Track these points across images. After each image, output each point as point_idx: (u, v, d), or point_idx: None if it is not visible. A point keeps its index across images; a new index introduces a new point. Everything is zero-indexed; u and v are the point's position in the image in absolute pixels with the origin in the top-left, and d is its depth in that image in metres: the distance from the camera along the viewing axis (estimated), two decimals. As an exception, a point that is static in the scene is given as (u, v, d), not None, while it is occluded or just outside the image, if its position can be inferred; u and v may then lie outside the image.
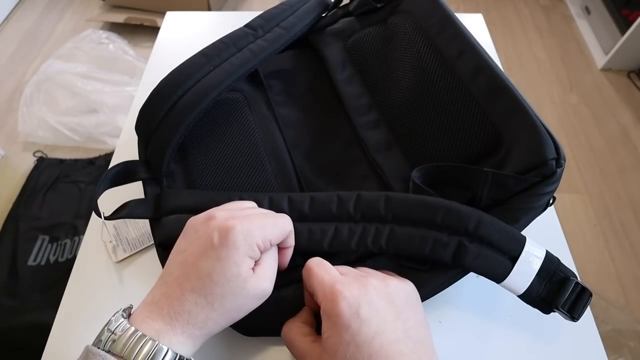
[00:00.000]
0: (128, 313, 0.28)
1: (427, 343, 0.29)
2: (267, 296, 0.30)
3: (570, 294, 0.31)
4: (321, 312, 0.29)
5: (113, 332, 0.26)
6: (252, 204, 0.34)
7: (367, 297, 0.28)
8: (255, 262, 0.30)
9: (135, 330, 0.26)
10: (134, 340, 0.26)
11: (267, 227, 0.30)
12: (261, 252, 0.30)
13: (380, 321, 0.28)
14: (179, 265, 0.29)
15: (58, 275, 1.03)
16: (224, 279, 0.28)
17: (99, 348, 0.26)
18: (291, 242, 0.33)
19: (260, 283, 0.29)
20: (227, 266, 0.28)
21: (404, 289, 0.31)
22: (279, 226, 0.31)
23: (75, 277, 0.41)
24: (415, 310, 0.30)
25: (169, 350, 0.26)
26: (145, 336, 0.26)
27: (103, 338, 0.26)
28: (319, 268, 0.31)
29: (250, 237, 0.29)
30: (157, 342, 0.26)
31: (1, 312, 0.96)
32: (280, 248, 0.33)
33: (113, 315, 0.28)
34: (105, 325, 0.27)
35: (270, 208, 0.35)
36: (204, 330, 0.28)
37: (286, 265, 0.33)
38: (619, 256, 1.17)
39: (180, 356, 0.27)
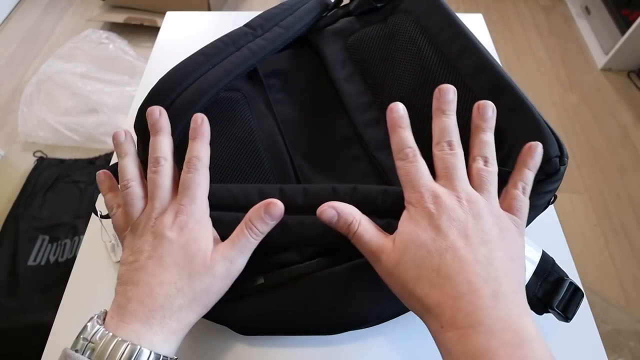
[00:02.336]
0: (102, 319, 0.28)
1: (515, 277, 0.27)
2: (232, 277, 0.31)
3: (564, 294, 0.32)
4: (406, 204, 0.29)
5: (90, 341, 0.26)
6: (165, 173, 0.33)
7: (455, 211, 0.27)
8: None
9: (114, 336, 0.26)
10: (114, 346, 0.25)
11: (204, 200, 0.32)
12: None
13: (460, 239, 0.26)
14: (138, 271, 0.29)
15: (58, 275, 1.03)
16: (189, 259, 0.29)
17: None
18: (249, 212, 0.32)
19: (220, 260, 0.30)
20: (188, 247, 0.29)
21: (506, 224, 0.28)
22: (202, 187, 0.32)
23: (75, 277, 0.41)
24: (510, 246, 0.27)
25: (152, 353, 0.26)
26: (125, 341, 0.26)
27: (79, 347, 0.26)
28: (421, 168, 0.30)
29: (196, 213, 0.31)
30: (138, 346, 0.26)
31: (1, 312, 0.96)
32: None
33: (88, 322, 0.27)
34: (80, 333, 0.27)
35: (260, 201, 0.33)
36: (181, 321, 0.28)
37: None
38: (619, 256, 1.17)
39: (163, 357, 0.27)
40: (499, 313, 0.24)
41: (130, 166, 0.34)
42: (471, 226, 0.27)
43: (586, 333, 0.38)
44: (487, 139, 0.31)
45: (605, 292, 1.10)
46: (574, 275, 0.41)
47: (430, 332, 0.26)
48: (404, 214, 0.29)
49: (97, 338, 0.26)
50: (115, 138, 0.35)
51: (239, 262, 0.31)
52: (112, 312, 0.28)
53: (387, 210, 0.33)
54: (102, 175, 0.36)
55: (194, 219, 0.30)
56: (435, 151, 0.31)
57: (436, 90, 0.32)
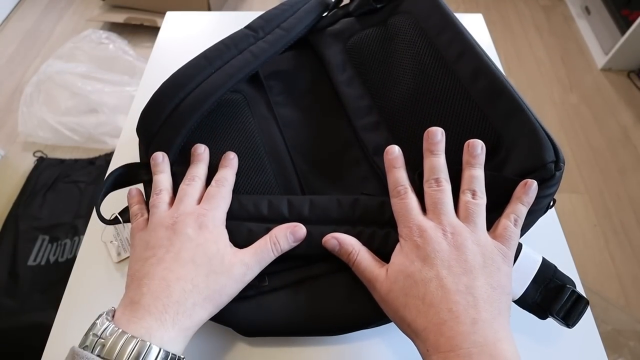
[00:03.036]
0: (112, 315, 0.28)
1: (496, 305, 0.28)
2: (246, 280, 0.32)
3: (565, 302, 0.32)
4: (399, 244, 0.32)
5: (100, 337, 0.26)
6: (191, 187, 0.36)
7: (438, 243, 0.30)
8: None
9: (123, 332, 0.26)
10: (124, 343, 0.25)
11: (224, 212, 0.35)
12: None
13: (444, 269, 0.29)
14: (157, 264, 0.30)
15: (58, 275, 1.03)
16: (206, 258, 0.31)
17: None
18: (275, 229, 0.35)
19: (237, 263, 0.32)
20: (207, 247, 0.31)
21: (491, 254, 0.30)
22: (226, 198, 0.35)
23: (75, 277, 0.41)
24: (492, 275, 0.29)
25: (161, 350, 0.26)
26: (135, 337, 0.26)
27: (89, 343, 0.26)
28: (413, 205, 0.32)
29: (219, 223, 0.33)
30: (147, 343, 0.26)
31: (1, 312, 0.96)
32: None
33: (97, 319, 0.27)
34: (90, 330, 0.27)
35: (269, 211, 0.36)
36: (193, 318, 0.29)
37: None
38: (619, 256, 1.17)
39: (172, 355, 0.27)
40: (477, 338, 0.26)
41: (165, 180, 0.37)
42: (454, 257, 0.29)
43: (586, 333, 0.38)
44: (476, 174, 0.33)
45: (605, 292, 1.10)
46: (574, 275, 0.41)
47: (420, 353, 0.29)
48: (397, 246, 0.32)
49: (107, 334, 0.26)
50: (154, 158, 0.37)
51: (255, 270, 0.33)
52: (124, 307, 0.29)
53: (387, 221, 0.34)
54: (134, 190, 0.38)
55: (214, 223, 0.33)
56: (425, 188, 0.33)
57: (425, 133, 0.34)
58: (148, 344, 0.26)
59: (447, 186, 0.33)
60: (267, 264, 0.33)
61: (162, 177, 0.37)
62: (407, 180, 0.34)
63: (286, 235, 0.34)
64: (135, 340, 0.26)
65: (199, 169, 0.37)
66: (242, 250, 0.33)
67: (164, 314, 0.27)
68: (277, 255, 0.33)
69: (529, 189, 0.32)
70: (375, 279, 0.31)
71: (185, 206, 0.34)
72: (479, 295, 0.28)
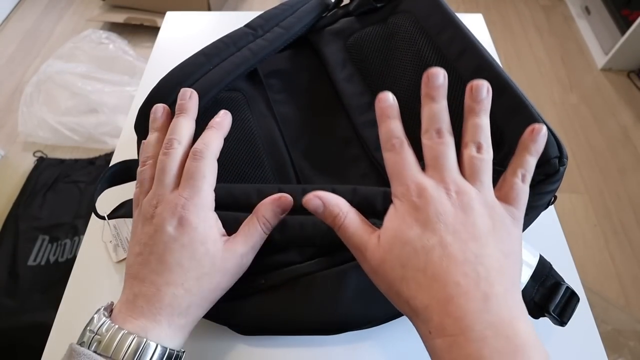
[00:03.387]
0: (109, 311, 0.28)
1: (508, 275, 0.25)
2: (242, 271, 0.31)
3: (561, 299, 0.32)
4: (392, 205, 0.27)
5: (96, 333, 0.26)
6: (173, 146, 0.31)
7: (448, 207, 0.25)
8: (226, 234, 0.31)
9: (120, 328, 0.26)
10: (120, 339, 0.25)
11: (209, 193, 0.30)
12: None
13: (449, 235, 0.24)
14: (143, 265, 0.28)
15: (58, 275, 1.03)
16: (195, 261, 0.28)
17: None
18: (259, 205, 0.32)
19: (230, 256, 0.29)
20: (193, 249, 0.28)
21: (500, 215, 0.26)
22: (208, 172, 0.30)
23: (75, 277, 0.41)
24: (503, 240, 0.25)
25: (158, 346, 0.26)
26: (132, 334, 0.25)
27: (86, 339, 0.26)
28: (408, 157, 0.28)
29: (204, 214, 0.29)
30: (144, 339, 0.25)
31: (1, 312, 0.96)
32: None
33: (95, 314, 0.27)
34: (87, 326, 0.26)
35: (258, 200, 0.33)
36: (189, 317, 0.28)
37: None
38: (619, 256, 1.17)
39: (170, 350, 0.26)
40: (490, 317, 0.22)
41: (152, 145, 0.32)
42: (460, 220, 0.25)
43: (586, 333, 0.38)
44: (481, 123, 0.28)
45: (605, 292, 1.10)
46: (574, 275, 0.41)
47: (420, 335, 0.25)
48: (390, 208, 0.27)
49: (104, 330, 0.26)
50: (154, 112, 0.33)
51: (249, 257, 0.31)
52: (121, 304, 0.28)
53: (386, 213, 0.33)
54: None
55: (197, 215, 0.29)
56: (424, 140, 0.28)
57: (424, 75, 0.29)
58: (145, 339, 0.25)
59: (449, 139, 0.28)
60: (259, 247, 0.31)
61: (151, 139, 0.32)
62: (403, 132, 0.29)
63: (273, 210, 0.31)
64: (132, 336, 0.25)
65: (181, 128, 0.32)
66: (232, 239, 0.30)
67: (158, 316, 0.27)
68: (267, 232, 0.31)
69: (538, 135, 0.28)
70: (365, 246, 0.27)
71: (164, 190, 0.30)
72: (490, 265, 0.24)
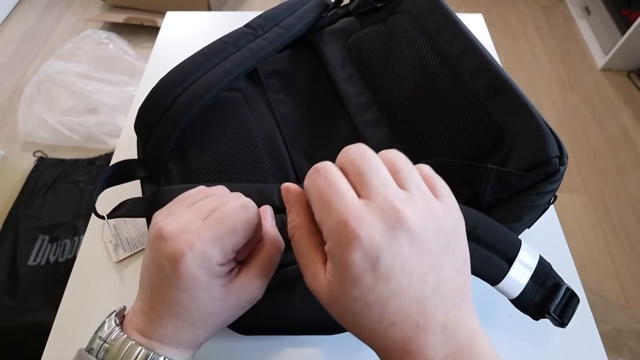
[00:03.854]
0: (121, 316, 0.28)
1: (462, 292, 0.23)
2: (255, 301, 0.28)
3: (561, 299, 0.32)
4: (326, 248, 0.22)
5: (105, 341, 0.25)
6: (212, 190, 0.29)
7: (393, 245, 0.21)
8: (238, 262, 0.28)
9: (128, 338, 0.25)
10: (128, 349, 0.25)
11: (224, 238, 0.25)
12: (230, 260, 0.26)
13: (404, 277, 0.21)
14: (149, 286, 0.26)
15: (58, 275, 1.02)
16: (198, 305, 0.25)
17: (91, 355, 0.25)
18: (268, 230, 0.29)
19: (243, 294, 0.27)
20: (194, 294, 0.25)
21: (450, 222, 0.23)
22: (239, 230, 0.26)
23: (75, 277, 0.41)
24: (455, 253, 0.23)
25: (165, 359, 0.25)
26: (140, 345, 0.25)
27: (95, 346, 0.25)
28: (331, 189, 0.22)
29: (207, 261, 0.25)
30: (152, 353, 0.25)
31: (1, 312, 0.96)
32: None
33: (106, 319, 0.27)
34: (98, 331, 0.26)
35: (258, 201, 0.32)
36: (197, 342, 0.27)
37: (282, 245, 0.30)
38: (619, 256, 1.17)
39: None
40: (449, 344, 0.21)
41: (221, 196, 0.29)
42: (415, 252, 0.21)
43: (586, 333, 0.38)
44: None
45: (605, 292, 1.10)
46: (574, 276, 0.41)
47: None
48: (328, 251, 0.22)
49: (112, 338, 0.25)
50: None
51: (265, 287, 0.29)
52: (133, 313, 0.27)
53: None
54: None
55: (200, 264, 0.25)
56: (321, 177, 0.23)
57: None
58: (152, 353, 0.25)
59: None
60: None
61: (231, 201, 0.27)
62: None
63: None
64: (139, 348, 0.25)
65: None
66: (246, 273, 0.27)
67: (165, 339, 0.26)
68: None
69: None
70: (312, 279, 0.23)
71: (184, 214, 0.26)
72: (446, 291, 0.22)
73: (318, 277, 0.23)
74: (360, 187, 0.22)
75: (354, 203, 0.21)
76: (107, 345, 0.25)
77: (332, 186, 0.22)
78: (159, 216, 0.27)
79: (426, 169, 0.25)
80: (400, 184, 0.22)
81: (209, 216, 0.26)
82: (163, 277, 0.25)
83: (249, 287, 0.27)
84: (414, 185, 0.23)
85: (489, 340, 0.23)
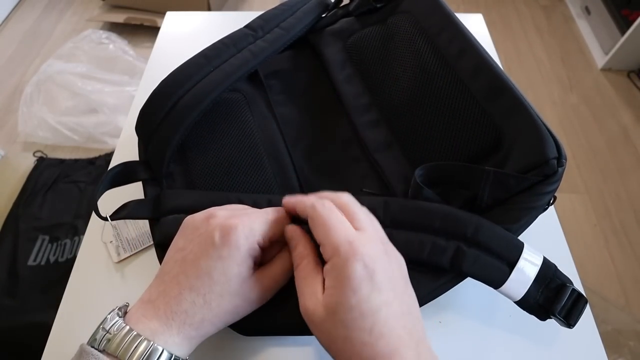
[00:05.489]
0: (124, 311, 0.28)
1: (421, 320, 0.27)
2: (263, 302, 0.31)
3: (567, 301, 0.31)
4: (326, 266, 0.27)
5: (108, 331, 0.26)
6: (253, 208, 0.34)
7: (384, 261, 0.27)
8: (258, 263, 0.31)
9: (130, 330, 0.26)
10: (129, 340, 0.25)
11: (269, 224, 0.30)
12: (262, 249, 0.30)
13: (391, 291, 0.26)
14: (178, 263, 0.29)
15: (58, 275, 1.02)
16: (225, 277, 0.28)
17: (93, 347, 0.26)
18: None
19: (256, 286, 0.29)
20: (228, 265, 0.28)
21: (402, 259, 0.29)
22: (280, 223, 0.31)
23: (75, 277, 0.41)
24: (408, 280, 0.29)
25: (164, 351, 0.26)
26: (140, 336, 0.26)
27: (98, 337, 0.26)
28: (332, 216, 0.28)
29: (252, 236, 0.29)
30: (152, 342, 0.26)
31: (1, 312, 0.96)
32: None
33: (109, 313, 0.27)
34: (101, 324, 0.27)
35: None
36: (200, 331, 0.28)
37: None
38: (619, 256, 1.17)
39: (175, 357, 0.27)
40: (422, 358, 0.25)
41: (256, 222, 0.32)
42: (396, 274, 0.27)
43: (586, 333, 0.38)
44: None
45: (605, 292, 1.10)
46: (574, 276, 0.41)
47: None
48: (328, 267, 0.27)
49: (115, 329, 0.26)
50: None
51: (274, 293, 0.31)
52: (140, 303, 0.28)
53: (388, 223, 0.33)
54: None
55: (245, 237, 0.29)
56: (318, 212, 0.29)
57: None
58: (152, 343, 0.26)
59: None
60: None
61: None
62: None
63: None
64: (140, 338, 0.26)
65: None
66: (265, 271, 0.30)
67: (171, 320, 0.27)
68: None
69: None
70: (310, 298, 0.27)
71: (232, 206, 0.32)
72: (414, 310, 0.27)
73: (316, 295, 0.27)
74: (353, 222, 0.28)
75: (353, 230, 0.28)
76: (109, 335, 0.26)
77: (336, 216, 0.28)
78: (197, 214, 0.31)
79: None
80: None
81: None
82: (207, 246, 0.28)
83: (262, 284, 0.30)
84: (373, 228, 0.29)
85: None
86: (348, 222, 0.28)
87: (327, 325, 0.26)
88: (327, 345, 0.26)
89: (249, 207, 0.34)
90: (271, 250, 0.32)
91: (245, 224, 0.29)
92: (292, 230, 0.31)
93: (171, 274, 0.29)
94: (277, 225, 0.31)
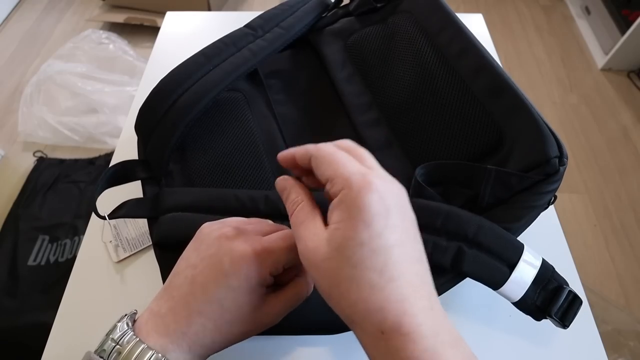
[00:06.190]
0: (133, 320, 0.28)
1: (431, 275, 0.24)
2: (274, 324, 0.29)
3: (563, 302, 0.32)
4: (334, 202, 0.23)
5: (118, 343, 0.25)
6: (267, 222, 0.32)
7: (401, 201, 0.24)
8: (272, 284, 0.29)
9: (141, 342, 0.25)
10: (139, 353, 0.25)
11: (283, 251, 0.28)
12: (273, 277, 0.28)
13: (404, 233, 0.23)
14: (187, 281, 0.27)
15: (58, 275, 1.02)
16: (235, 306, 0.27)
17: (102, 358, 0.25)
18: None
19: (269, 313, 0.28)
20: (239, 295, 0.27)
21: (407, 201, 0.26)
22: (291, 251, 0.27)
23: (75, 277, 0.41)
24: (416, 227, 0.25)
25: None
26: (152, 350, 0.25)
27: (107, 348, 0.26)
28: (340, 153, 0.25)
29: (264, 268, 0.27)
30: (163, 358, 0.25)
31: (1, 312, 0.96)
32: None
33: (118, 322, 0.27)
34: (109, 334, 0.26)
35: (266, 207, 0.34)
36: (210, 350, 0.28)
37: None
38: (619, 256, 1.17)
39: None
40: (434, 313, 0.22)
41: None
42: (408, 215, 0.24)
43: (586, 333, 0.38)
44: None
45: (605, 292, 1.10)
46: (574, 276, 0.41)
47: (363, 340, 0.23)
48: (337, 202, 0.23)
49: (125, 341, 0.25)
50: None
51: (282, 316, 0.30)
52: (149, 314, 0.27)
53: None
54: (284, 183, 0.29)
55: (259, 265, 0.27)
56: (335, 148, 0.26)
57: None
58: (163, 358, 0.25)
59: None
60: None
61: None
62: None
63: None
64: (151, 352, 0.25)
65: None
66: (276, 298, 0.29)
67: (181, 340, 0.26)
68: None
69: None
70: (311, 239, 0.24)
71: (242, 221, 0.30)
72: (424, 259, 0.23)
73: (318, 235, 0.24)
74: (362, 161, 0.25)
75: (363, 166, 0.25)
76: (120, 347, 0.25)
77: (343, 153, 0.25)
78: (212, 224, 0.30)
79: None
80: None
81: (266, 235, 0.29)
82: (217, 272, 0.27)
83: (275, 308, 0.28)
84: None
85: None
86: (356, 160, 0.25)
87: (331, 264, 0.22)
88: (328, 289, 0.23)
89: (264, 220, 0.32)
90: (288, 271, 0.30)
91: (259, 255, 0.27)
92: (283, 180, 0.28)
93: (180, 291, 0.27)
94: (292, 252, 0.27)
